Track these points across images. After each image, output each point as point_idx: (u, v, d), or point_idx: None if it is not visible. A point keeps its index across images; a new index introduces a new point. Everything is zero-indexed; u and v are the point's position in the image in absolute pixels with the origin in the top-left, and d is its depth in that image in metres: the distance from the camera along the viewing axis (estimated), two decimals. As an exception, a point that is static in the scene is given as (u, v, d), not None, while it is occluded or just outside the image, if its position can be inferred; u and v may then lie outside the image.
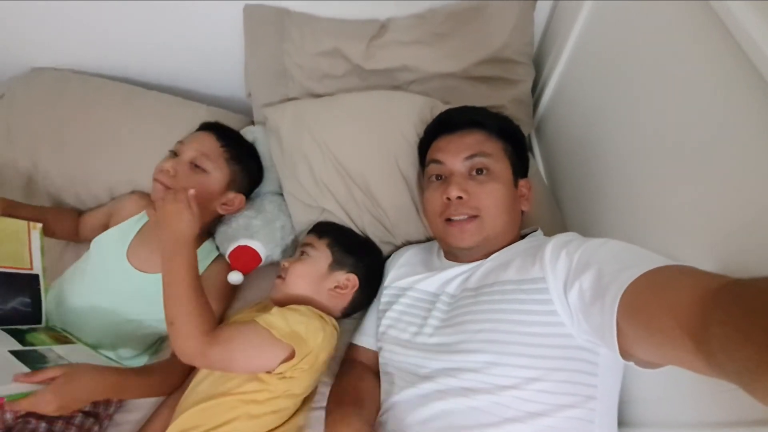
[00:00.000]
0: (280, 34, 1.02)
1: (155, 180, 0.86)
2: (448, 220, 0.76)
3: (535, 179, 0.98)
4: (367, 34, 0.99)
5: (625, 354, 0.52)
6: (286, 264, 0.84)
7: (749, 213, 0.50)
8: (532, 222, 0.88)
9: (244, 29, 1.03)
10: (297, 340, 0.71)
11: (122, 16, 1.04)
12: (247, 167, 0.96)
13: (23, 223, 0.81)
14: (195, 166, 0.87)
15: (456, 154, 0.77)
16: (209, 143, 0.90)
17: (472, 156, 0.76)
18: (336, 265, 0.84)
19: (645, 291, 0.48)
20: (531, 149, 1.12)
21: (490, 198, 0.74)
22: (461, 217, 0.74)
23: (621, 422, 0.65)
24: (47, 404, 0.64)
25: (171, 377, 0.81)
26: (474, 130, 0.79)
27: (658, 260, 0.51)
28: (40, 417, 0.74)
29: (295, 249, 0.92)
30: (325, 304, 0.83)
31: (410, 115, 0.93)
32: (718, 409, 0.52)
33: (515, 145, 0.82)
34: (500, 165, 0.77)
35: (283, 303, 0.80)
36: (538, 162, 1.09)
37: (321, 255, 0.85)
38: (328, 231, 0.89)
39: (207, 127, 0.96)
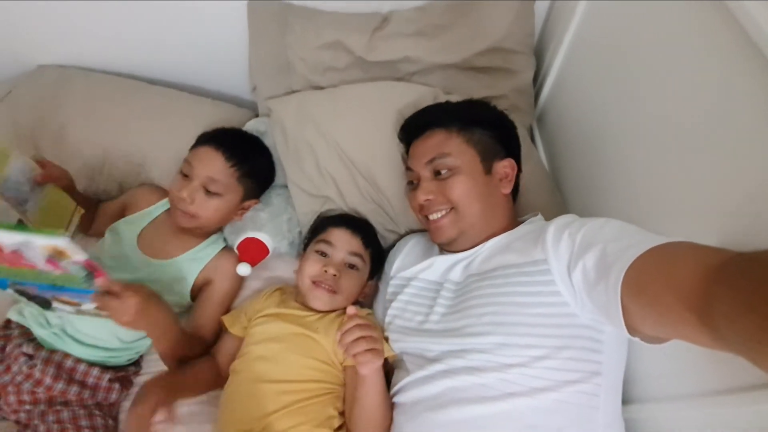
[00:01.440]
0: (284, 28, 1.03)
1: (175, 207, 0.88)
2: (428, 218, 0.80)
3: (537, 167, 1.00)
4: (369, 26, 1.00)
5: (630, 330, 0.52)
6: (335, 273, 0.82)
7: (749, 198, 0.51)
8: (534, 209, 0.88)
9: (248, 24, 1.04)
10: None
11: (127, 14, 1.06)
12: (258, 178, 0.96)
13: (74, 204, 0.84)
14: (207, 191, 0.87)
15: (419, 159, 0.81)
16: (218, 165, 0.87)
17: (431, 160, 0.79)
18: (371, 276, 0.90)
19: (648, 268, 0.49)
20: (533, 138, 1.13)
21: (456, 189, 0.76)
22: (435, 216, 0.78)
23: (626, 400, 0.66)
24: (131, 297, 0.66)
25: (194, 347, 0.83)
26: (434, 130, 0.82)
27: (660, 237, 0.52)
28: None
29: (309, 242, 0.91)
30: None
31: (413, 104, 0.94)
32: (717, 378, 0.54)
33: (489, 127, 0.81)
34: (464, 158, 0.78)
35: (324, 311, 0.83)
36: (540, 151, 1.10)
37: (366, 269, 0.88)
38: (372, 240, 0.91)
39: (211, 141, 0.90)
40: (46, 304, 0.72)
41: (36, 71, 1.15)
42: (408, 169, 0.85)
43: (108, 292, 0.66)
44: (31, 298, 0.70)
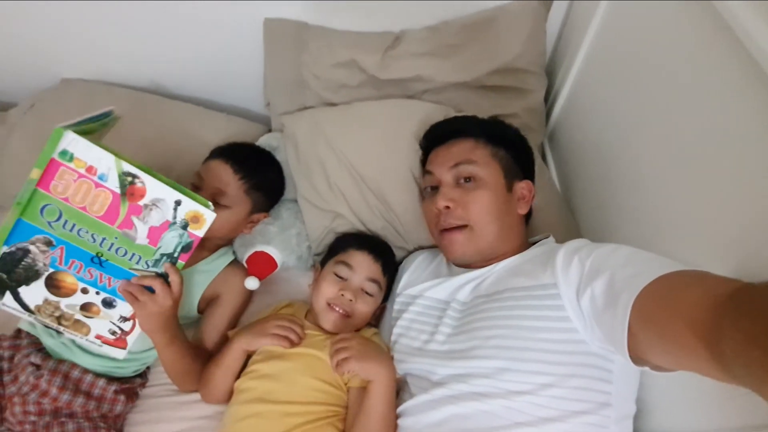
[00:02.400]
0: (299, 47, 1.05)
1: None
2: (443, 231, 0.78)
3: (548, 187, 0.99)
4: (382, 45, 1.02)
5: (637, 360, 0.51)
6: (351, 299, 0.82)
7: (762, 217, 0.49)
8: (545, 229, 0.87)
9: (264, 42, 1.07)
10: None
11: (148, 31, 1.10)
12: (267, 191, 0.97)
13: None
14: (216, 203, 0.86)
15: (443, 164, 0.79)
16: (226, 177, 0.89)
17: (457, 164, 0.78)
18: (383, 299, 0.90)
19: (657, 297, 0.48)
20: (544, 157, 1.12)
21: (477, 205, 0.75)
22: (450, 224, 0.76)
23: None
24: (178, 292, 0.72)
25: (199, 360, 0.84)
26: (461, 139, 0.81)
27: (670, 265, 0.51)
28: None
29: (328, 258, 0.91)
30: None
31: (424, 121, 0.94)
32: (728, 415, 0.52)
33: (510, 147, 0.81)
34: (488, 171, 0.77)
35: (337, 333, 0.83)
36: (551, 170, 1.10)
37: (382, 294, 0.88)
38: (391, 266, 0.92)
39: (221, 154, 0.92)
40: (7, 286, 0.68)
41: (60, 85, 1.19)
42: (427, 173, 0.83)
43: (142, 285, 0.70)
44: (13, 271, 0.66)
